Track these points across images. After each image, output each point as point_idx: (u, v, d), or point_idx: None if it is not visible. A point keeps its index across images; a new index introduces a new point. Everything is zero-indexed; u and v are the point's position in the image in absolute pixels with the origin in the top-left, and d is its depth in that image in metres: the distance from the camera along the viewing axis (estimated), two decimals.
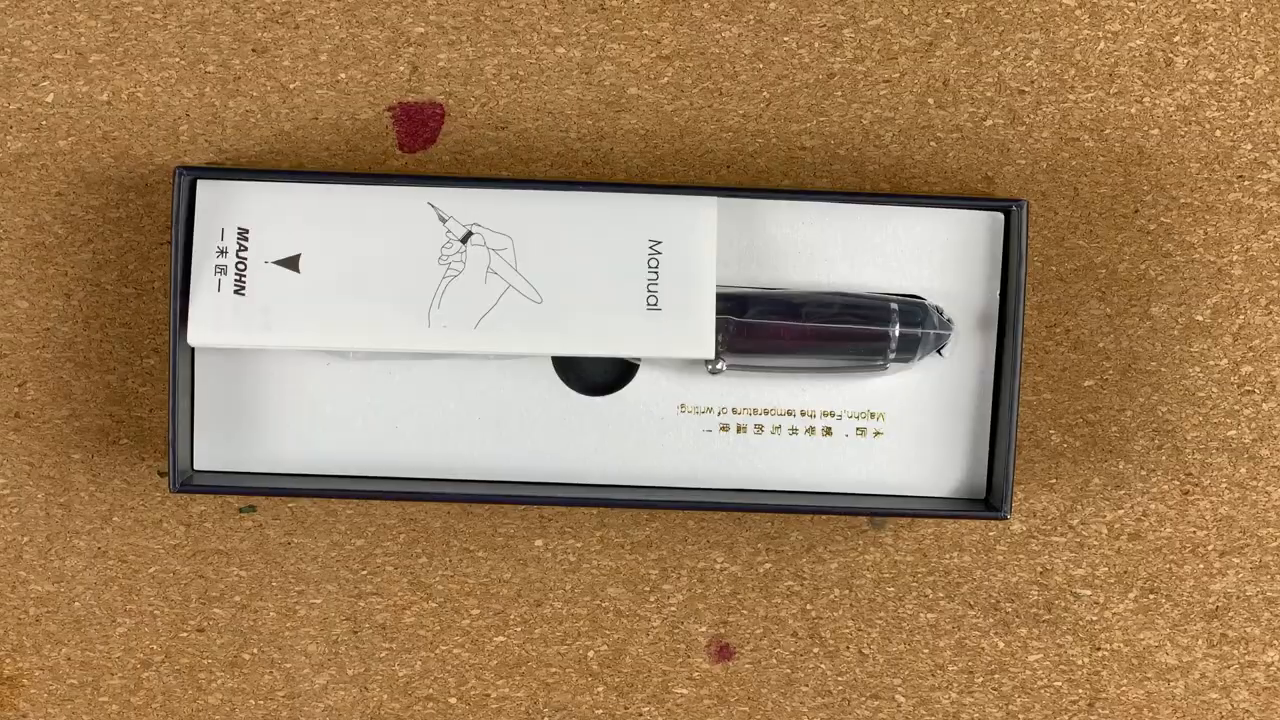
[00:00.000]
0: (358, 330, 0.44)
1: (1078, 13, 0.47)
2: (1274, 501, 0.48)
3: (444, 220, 0.44)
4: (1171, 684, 0.49)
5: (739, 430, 0.46)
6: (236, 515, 0.48)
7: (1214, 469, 0.48)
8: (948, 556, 0.48)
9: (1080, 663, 0.49)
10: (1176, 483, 0.48)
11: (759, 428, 0.46)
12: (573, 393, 0.46)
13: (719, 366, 0.45)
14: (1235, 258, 0.48)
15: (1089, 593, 0.48)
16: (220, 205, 0.44)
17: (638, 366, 0.46)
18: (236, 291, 0.43)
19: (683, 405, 0.46)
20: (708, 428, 0.46)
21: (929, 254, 0.46)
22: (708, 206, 0.44)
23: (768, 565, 0.49)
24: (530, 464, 0.46)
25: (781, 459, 0.46)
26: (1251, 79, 0.47)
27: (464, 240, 0.44)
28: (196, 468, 0.46)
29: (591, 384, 0.46)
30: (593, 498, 0.46)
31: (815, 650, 0.49)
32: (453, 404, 0.46)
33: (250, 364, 0.46)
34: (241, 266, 0.44)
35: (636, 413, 0.46)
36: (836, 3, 0.47)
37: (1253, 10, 0.47)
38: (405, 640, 0.49)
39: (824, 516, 0.48)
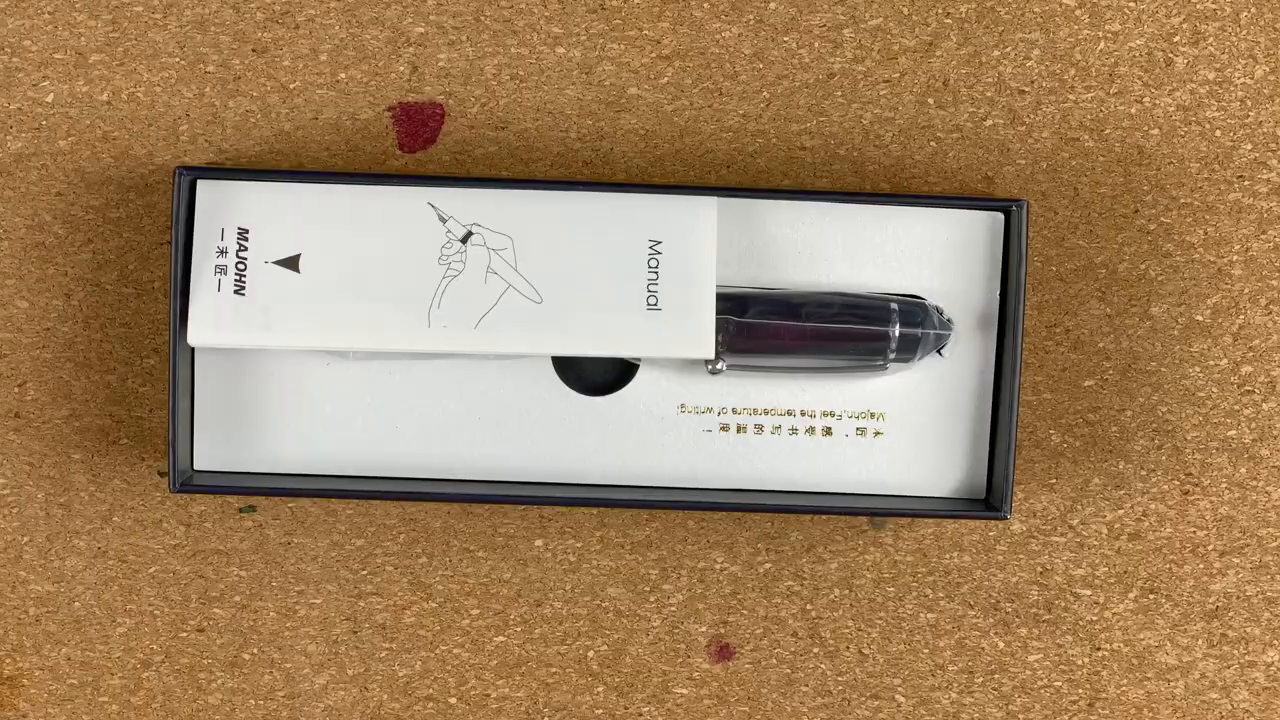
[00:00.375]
0: (358, 330, 0.44)
1: (1078, 13, 0.47)
2: (1274, 501, 0.48)
3: (444, 220, 0.44)
4: (1171, 684, 0.49)
5: (739, 430, 0.46)
6: (236, 515, 0.48)
7: (1214, 469, 0.48)
8: (948, 556, 0.48)
9: (1080, 663, 0.49)
10: (1176, 483, 0.48)
11: (759, 428, 0.46)
12: (573, 393, 0.46)
13: (719, 366, 0.45)
14: (1235, 258, 0.48)
15: (1089, 593, 0.48)
16: (220, 205, 0.44)
17: (638, 366, 0.46)
18: (236, 291, 0.43)
19: (683, 405, 0.46)
20: (708, 428, 0.46)
21: (929, 254, 0.46)
22: (708, 206, 0.44)
23: (768, 565, 0.49)
24: (530, 464, 0.46)
25: (781, 459, 0.46)
26: (1251, 79, 0.47)
27: (464, 240, 0.44)
28: (196, 468, 0.46)
29: (591, 384, 0.46)
30: (593, 498, 0.46)
31: (815, 650, 0.49)
32: (453, 404, 0.46)
33: (250, 364, 0.46)
34: (241, 266, 0.44)
35: (636, 413, 0.46)
36: (836, 3, 0.47)
37: (1253, 10, 0.47)
38: (405, 640, 0.49)
39: (824, 516, 0.48)
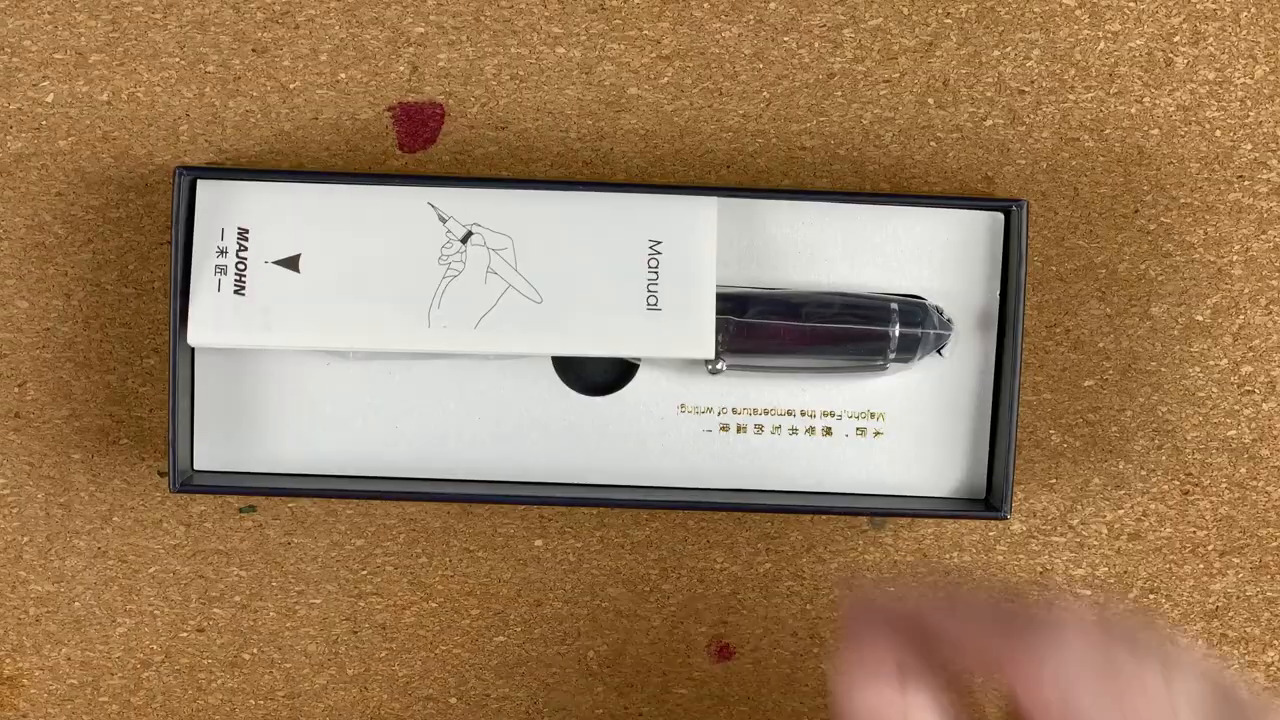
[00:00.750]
0: (358, 330, 0.44)
1: (1078, 13, 0.47)
2: (1274, 501, 0.48)
3: (444, 220, 0.44)
4: None
5: (739, 430, 0.46)
6: (236, 515, 0.48)
7: (1214, 469, 0.48)
8: (948, 556, 0.48)
9: None
10: (1176, 483, 0.48)
11: (759, 428, 0.46)
12: (573, 393, 0.46)
13: (719, 366, 0.45)
14: (1235, 258, 0.48)
15: (1089, 593, 0.48)
16: (220, 205, 0.44)
17: (638, 366, 0.46)
18: (236, 291, 0.43)
19: (683, 405, 0.46)
20: (708, 428, 0.46)
21: (929, 254, 0.46)
22: (708, 206, 0.44)
23: (768, 565, 0.49)
24: (530, 464, 0.46)
25: (781, 459, 0.46)
26: (1251, 79, 0.47)
27: (464, 240, 0.44)
28: (196, 468, 0.46)
29: (591, 384, 0.46)
30: (593, 498, 0.46)
31: (815, 650, 0.49)
32: (453, 404, 0.46)
33: (250, 364, 0.46)
34: (241, 266, 0.44)
35: (636, 413, 0.46)
36: (836, 3, 0.47)
37: (1253, 10, 0.47)
38: (405, 640, 0.49)
39: (824, 516, 0.48)
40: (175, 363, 0.44)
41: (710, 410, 0.46)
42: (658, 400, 0.46)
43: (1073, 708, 0.32)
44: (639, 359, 0.46)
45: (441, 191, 0.44)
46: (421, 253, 0.44)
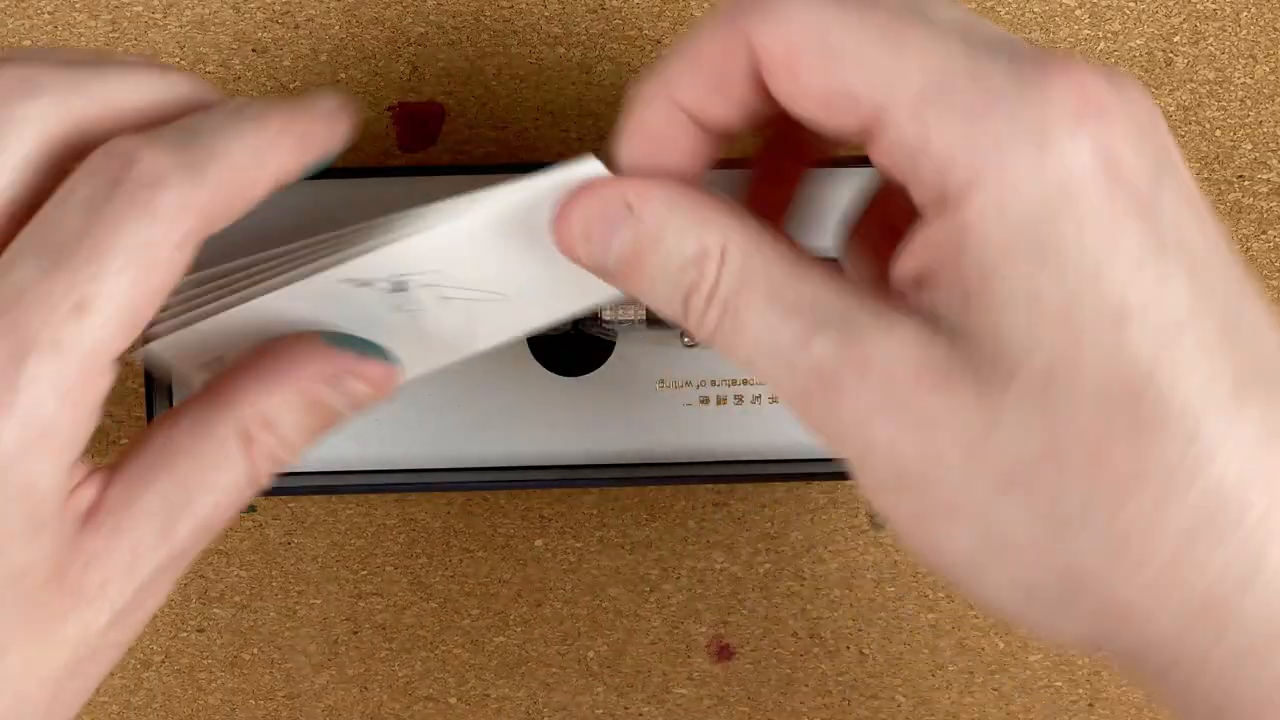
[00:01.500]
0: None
1: (1078, 13, 0.47)
2: None
3: (369, 284, 0.41)
4: None
5: (719, 402, 0.46)
6: (236, 515, 0.48)
7: None
8: None
9: (1080, 663, 0.49)
10: None
11: (739, 398, 0.46)
12: (554, 376, 0.46)
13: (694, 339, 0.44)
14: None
15: None
16: None
17: (613, 345, 0.46)
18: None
19: (661, 381, 0.46)
20: (688, 401, 0.46)
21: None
22: (588, 162, 0.40)
23: (768, 565, 0.49)
24: (522, 450, 0.46)
25: (767, 425, 0.46)
26: (1251, 79, 0.47)
27: (401, 290, 0.41)
28: None
29: (569, 366, 0.46)
30: (588, 477, 0.45)
31: (815, 650, 0.49)
32: (440, 399, 0.46)
33: None
34: None
35: (616, 391, 0.46)
36: None
37: (1253, 10, 0.47)
38: (405, 640, 0.49)
39: (824, 516, 0.48)
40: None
41: (690, 384, 0.46)
42: (636, 378, 0.46)
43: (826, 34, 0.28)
44: (613, 331, 0.45)
45: (349, 267, 0.39)
46: (377, 318, 0.41)
